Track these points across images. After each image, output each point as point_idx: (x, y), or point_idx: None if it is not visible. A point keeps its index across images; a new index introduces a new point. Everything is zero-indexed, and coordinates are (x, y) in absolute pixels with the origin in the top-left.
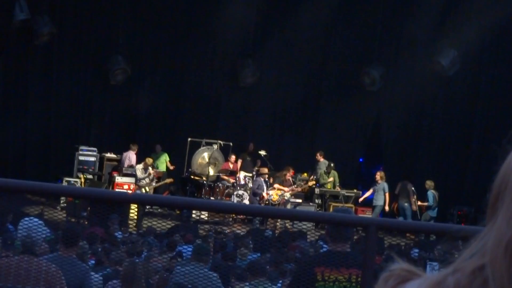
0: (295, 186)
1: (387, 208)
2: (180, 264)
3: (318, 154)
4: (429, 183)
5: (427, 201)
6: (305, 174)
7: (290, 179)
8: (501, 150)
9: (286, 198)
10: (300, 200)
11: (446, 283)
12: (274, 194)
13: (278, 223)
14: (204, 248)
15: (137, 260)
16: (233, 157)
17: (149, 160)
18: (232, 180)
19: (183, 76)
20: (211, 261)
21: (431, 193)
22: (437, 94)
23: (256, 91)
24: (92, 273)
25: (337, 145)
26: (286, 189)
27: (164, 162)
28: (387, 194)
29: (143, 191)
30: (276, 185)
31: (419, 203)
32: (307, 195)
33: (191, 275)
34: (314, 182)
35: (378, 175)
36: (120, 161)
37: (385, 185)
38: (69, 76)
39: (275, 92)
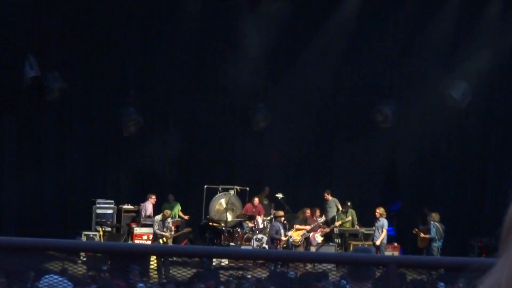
0: (323, 226)
1: (378, 242)
2: None
3: (325, 194)
4: (433, 216)
5: (429, 233)
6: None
7: (317, 219)
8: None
9: (316, 238)
10: (320, 241)
11: None
12: (295, 235)
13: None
14: None
15: None
16: (256, 200)
17: (167, 212)
18: (251, 224)
19: (195, 123)
20: None
21: (433, 226)
22: (450, 127)
23: (269, 134)
24: None
25: (353, 184)
26: (308, 227)
27: (176, 211)
28: (385, 230)
29: (161, 242)
30: (296, 226)
31: (421, 235)
32: (327, 235)
33: None
34: (340, 223)
35: (378, 212)
36: (138, 212)
37: (385, 222)
38: (82, 130)
39: (288, 134)
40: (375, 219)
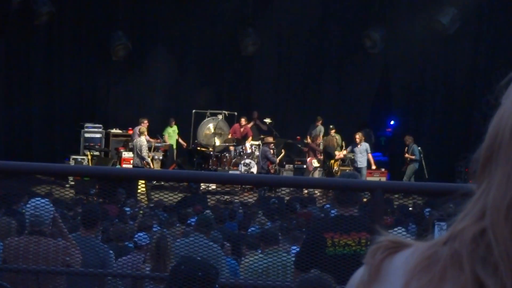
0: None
1: (374, 167)
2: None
3: (318, 119)
4: (408, 139)
5: (414, 155)
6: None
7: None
8: (486, 105)
9: (313, 163)
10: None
11: (439, 255)
12: (334, 164)
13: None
14: (206, 219)
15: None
16: (243, 120)
17: (142, 129)
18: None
19: (184, 48)
20: (214, 232)
21: (416, 147)
22: (438, 53)
23: (258, 59)
24: (111, 251)
25: (342, 109)
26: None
27: (174, 136)
28: (370, 155)
29: (148, 166)
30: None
31: (406, 155)
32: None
33: (192, 246)
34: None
35: (358, 137)
36: (129, 136)
37: (367, 145)
38: (71, 54)
39: (277, 59)
40: (355, 144)
